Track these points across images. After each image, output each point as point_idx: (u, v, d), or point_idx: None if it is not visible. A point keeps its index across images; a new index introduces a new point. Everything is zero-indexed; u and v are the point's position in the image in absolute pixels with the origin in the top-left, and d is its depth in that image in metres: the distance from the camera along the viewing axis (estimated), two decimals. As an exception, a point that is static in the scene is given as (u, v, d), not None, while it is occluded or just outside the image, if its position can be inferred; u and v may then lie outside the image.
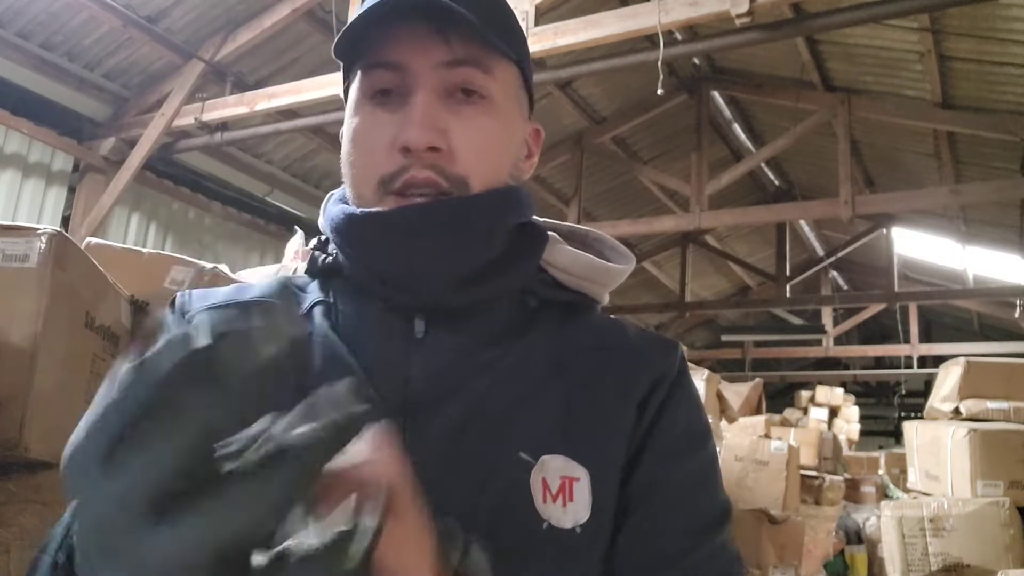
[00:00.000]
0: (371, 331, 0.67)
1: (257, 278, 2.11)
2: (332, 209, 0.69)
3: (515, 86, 0.72)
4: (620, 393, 0.68)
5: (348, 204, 0.68)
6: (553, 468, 0.62)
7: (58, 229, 1.29)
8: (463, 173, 0.65)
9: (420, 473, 0.57)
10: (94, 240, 1.79)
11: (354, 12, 0.67)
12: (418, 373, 0.64)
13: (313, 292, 0.72)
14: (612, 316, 0.77)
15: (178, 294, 0.73)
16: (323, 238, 0.75)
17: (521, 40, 0.72)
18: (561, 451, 0.63)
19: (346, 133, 0.69)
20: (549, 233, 0.77)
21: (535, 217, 0.77)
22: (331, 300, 0.71)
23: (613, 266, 0.76)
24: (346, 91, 0.72)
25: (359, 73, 0.68)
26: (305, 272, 0.76)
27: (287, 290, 0.73)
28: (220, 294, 0.73)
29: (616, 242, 0.79)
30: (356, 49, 0.67)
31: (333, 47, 0.67)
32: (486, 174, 0.67)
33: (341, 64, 0.71)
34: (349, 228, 0.66)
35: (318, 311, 0.70)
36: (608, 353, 0.70)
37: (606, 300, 0.77)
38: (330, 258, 0.72)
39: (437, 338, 0.66)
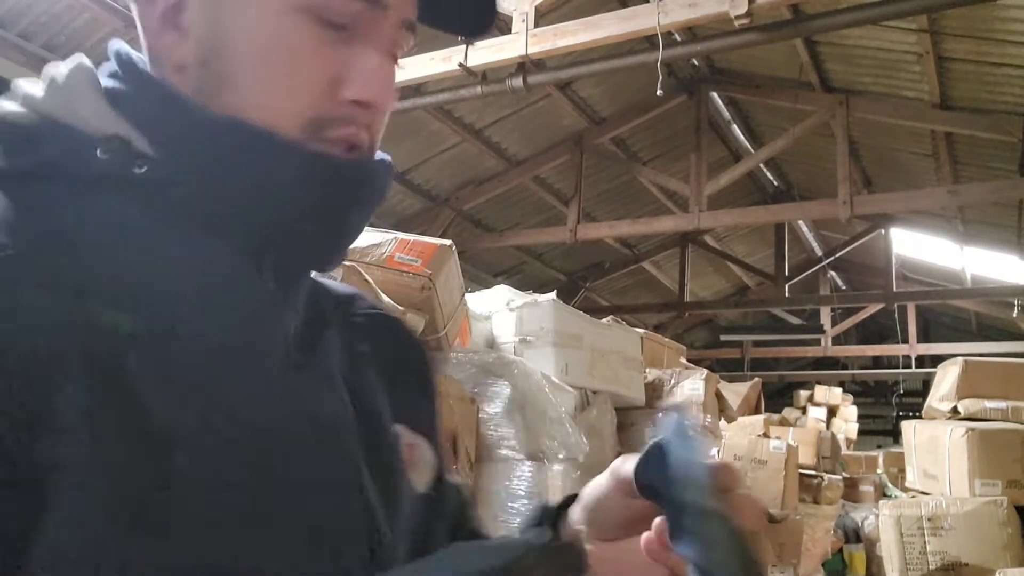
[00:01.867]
0: (197, 267, 0.51)
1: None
2: (202, 113, 0.52)
3: None
4: (413, 359, 0.70)
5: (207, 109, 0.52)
6: (403, 438, 0.63)
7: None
8: (377, 137, 0.57)
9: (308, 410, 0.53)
10: (100, 241, 1.80)
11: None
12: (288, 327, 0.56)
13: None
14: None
15: None
16: (111, 133, 0.51)
17: None
18: (397, 421, 0.63)
19: (252, 32, 0.52)
20: None
21: None
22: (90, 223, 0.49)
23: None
24: None
25: None
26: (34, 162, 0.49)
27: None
28: None
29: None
30: None
31: None
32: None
33: None
34: (257, 154, 0.52)
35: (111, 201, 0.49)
36: (381, 326, 0.68)
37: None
38: (141, 168, 0.50)
39: (286, 297, 0.55)
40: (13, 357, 0.40)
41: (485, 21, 0.65)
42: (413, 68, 4.11)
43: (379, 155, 0.58)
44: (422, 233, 3.47)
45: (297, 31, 0.52)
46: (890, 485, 5.58)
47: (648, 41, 4.43)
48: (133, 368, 0.43)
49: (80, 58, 0.53)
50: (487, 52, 4.10)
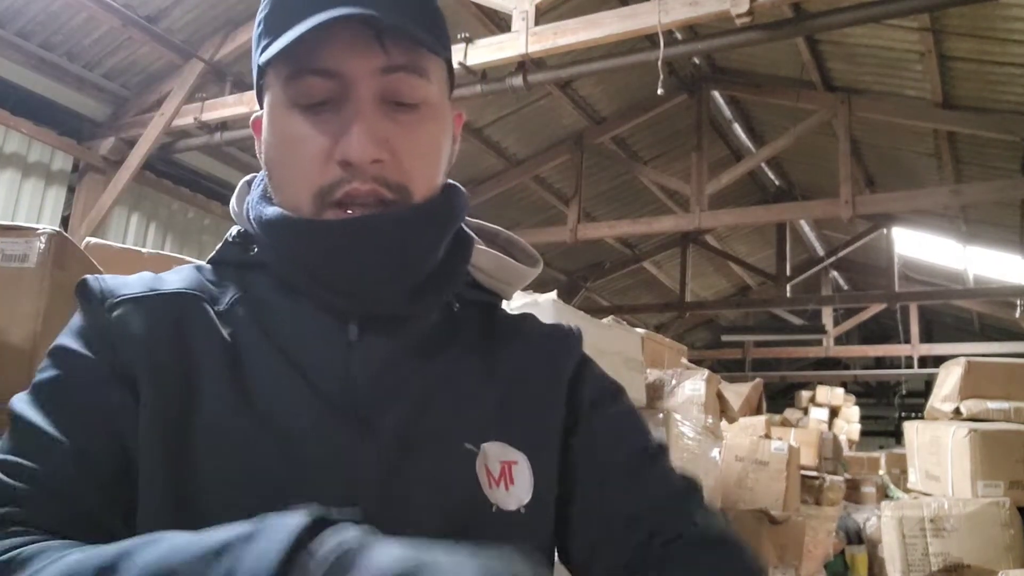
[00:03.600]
0: (303, 330, 0.67)
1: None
2: (263, 209, 0.67)
3: (445, 80, 0.72)
4: (548, 377, 0.73)
5: (275, 204, 0.67)
6: (493, 454, 0.65)
7: (57, 229, 1.29)
8: (405, 181, 0.65)
9: (374, 463, 0.60)
10: (93, 240, 1.79)
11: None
12: (358, 376, 0.65)
13: (228, 286, 0.70)
14: (517, 313, 0.81)
15: (88, 278, 0.69)
16: (242, 230, 0.73)
17: (446, 32, 0.71)
18: (498, 438, 0.66)
19: (272, 137, 0.66)
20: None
21: None
22: (253, 296, 0.69)
23: (528, 269, 0.79)
24: (260, 87, 0.69)
25: (285, 76, 0.64)
26: (210, 262, 0.74)
27: (203, 283, 0.71)
28: (137, 282, 0.69)
29: (526, 244, 0.82)
30: (283, 54, 0.63)
31: (262, 51, 0.64)
32: (427, 178, 0.67)
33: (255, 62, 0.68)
34: (290, 233, 0.65)
35: (240, 307, 0.68)
36: (531, 345, 0.75)
37: (512, 298, 0.81)
38: (252, 252, 0.71)
39: (372, 343, 0.66)
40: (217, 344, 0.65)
41: None
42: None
43: (415, 195, 0.65)
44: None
45: (294, 123, 0.64)
46: (892, 486, 5.56)
47: (649, 40, 4.41)
48: (247, 364, 0.65)
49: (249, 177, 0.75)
50: (487, 51, 4.08)
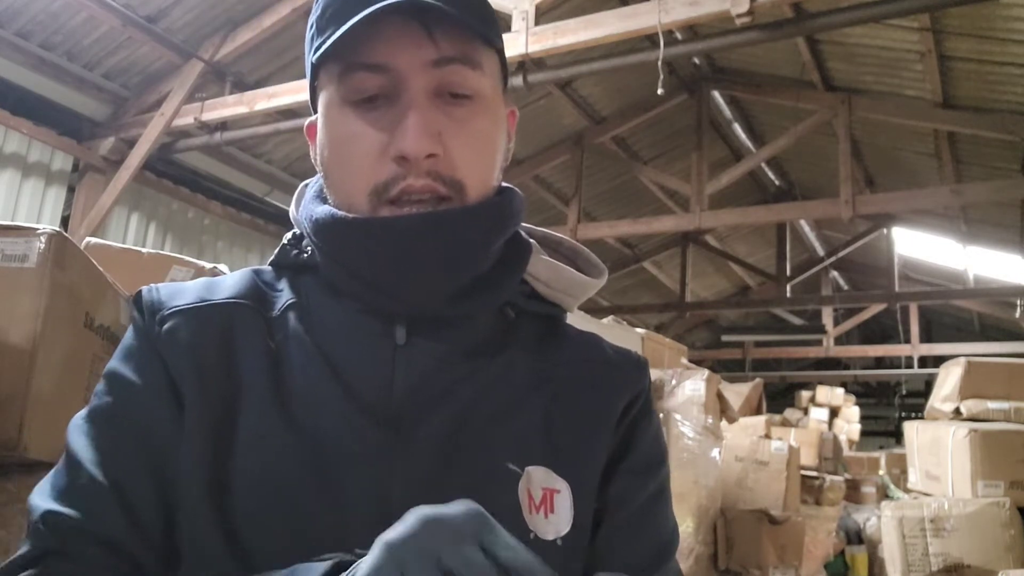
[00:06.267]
0: (349, 335, 0.66)
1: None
2: (315, 209, 0.67)
3: (498, 74, 0.70)
4: (601, 408, 0.68)
5: (330, 205, 0.66)
6: (536, 479, 0.63)
7: (57, 229, 1.29)
8: (460, 177, 0.63)
9: (411, 480, 0.58)
10: (93, 240, 1.79)
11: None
12: (402, 380, 0.64)
13: (283, 290, 0.70)
14: (584, 330, 0.77)
15: (143, 289, 0.70)
16: (297, 233, 0.73)
17: (497, 22, 0.70)
18: (543, 462, 0.64)
19: (326, 136, 0.66)
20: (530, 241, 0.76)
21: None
22: (304, 300, 0.69)
23: (590, 280, 0.75)
24: (313, 89, 0.69)
25: (337, 74, 0.64)
26: (271, 264, 0.74)
27: (257, 288, 0.70)
28: (190, 292, 0.69)
29: (590, 253, 0.78)
30: (333, 50, 0.63)
31: (315, 51, 0.64)
32: (481, 175, 0.65)
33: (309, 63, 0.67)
34: (339, 233, 0.64)
35: (292, 312, 0.68)
36: (588, 367, 0.71)
37: (575, 310, 0.77)
38: (304, 255, 0.71)
39: (419, 346, 0.65)
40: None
41: None
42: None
43: (470, 192, 0.64)
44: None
45: (347, 121, 0.64)
46: (892, 486, 5.55)
47: (649, 40, 4.42)
48: (288, 364, 0.65)
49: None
50: (487, 51, 4.08)
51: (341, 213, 0.64)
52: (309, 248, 0.70)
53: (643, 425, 0.71)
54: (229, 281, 0.71)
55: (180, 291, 0.69)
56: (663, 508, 0.71)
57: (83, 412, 0.66)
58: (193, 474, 0.61)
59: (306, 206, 0.69)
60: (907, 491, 3.55)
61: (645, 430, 0.71)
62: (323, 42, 0.63)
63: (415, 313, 0.65)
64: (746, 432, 4.30)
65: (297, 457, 0.61)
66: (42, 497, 0.62)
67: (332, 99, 0.65)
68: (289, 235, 0.74)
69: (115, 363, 0.67)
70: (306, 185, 0.74)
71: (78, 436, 0.64)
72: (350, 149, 0.64)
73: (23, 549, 0.60)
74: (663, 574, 0.68)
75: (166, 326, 0.66)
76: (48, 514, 0.60)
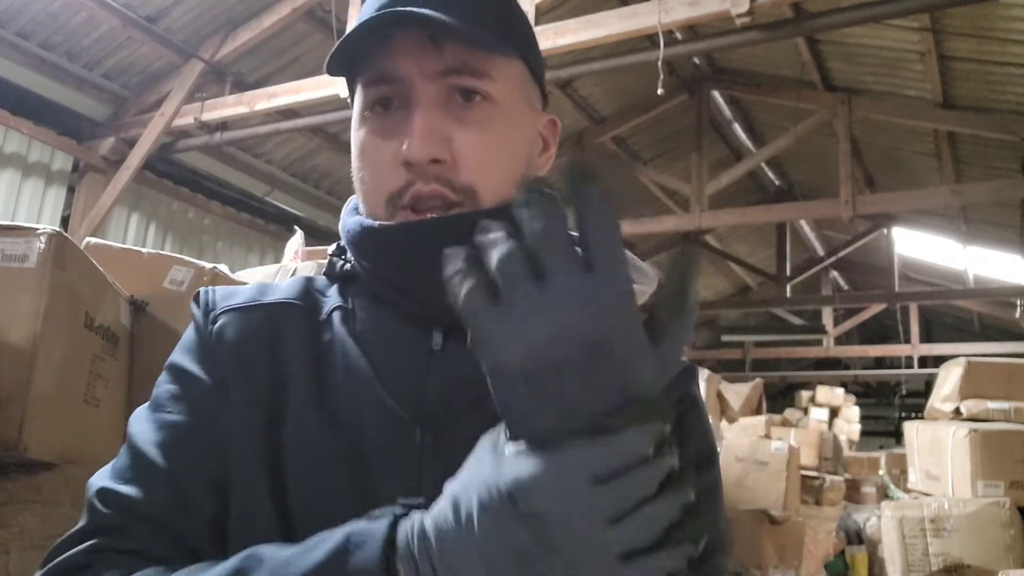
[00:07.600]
0: (389, 339, 0.68)
1: (258, 277, 2.10)
2: (348, 220, 0.70)
3: (520, 81, 0.70)
4: None
5: (362, 215, 0.69)
6: None
7: (57, 229, 1.29)
8: (469, 182, 0.64)
9: (441, 481, 0.58)
10: (93, 240, 1.79)
11: (353, 13, 0.66)
12: (436, 384, 0.65)
13: (332, 296, 0.73)
14: None
15: (201, 290, 0.74)
16: (341, 244, 0.76)
17: (524, 32, 0.70)
18: None
19: (354, 148, 0.70)
20: None
21: None
22: (349, 306, 0.71)
23: (638, 287, 0.73)
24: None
25: (359, 88, 0.68)
26: (324, 275, 0.77)
27: (308, 293, 0.73)
28: (243, 294, 0.73)
29: (636, 259, 0.76)
30: (354, 64, 0.67)
31: (327, 64, 0.67)
32: (495, 180, 0.65)
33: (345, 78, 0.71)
34: (363, 240, 0.67)
35: (337, 316, 0.71)
36: None
37: None
38: (348, 265, 0.73)
39: (454, 352, 0.66)
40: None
41: None
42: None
43: (483, 198, 0.64)
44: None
45: (367, 131, 0.67)
46: (892, 486, 5.55)
47: (649, 40, 4.42)
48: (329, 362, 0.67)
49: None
50: (487, 51, 4.08)
51: (368, 222, 0.67)
52: (352, 259, 0.73)
53: (692, 419, 0.70)
54: (282, 285, 0.75)
55: (234, 293, 0.73)
56: (713, 506, 0.70)
57: (146, 403, 0.70)
58: (246, 459, 0.64)
59: (344, 218, 0.72)
60: (907, 491, 3.55)
61: (695, 425, 0.70)
62: (345, 58, 0.66)
63: (451, 320, 0.64)
64: (746, 432, 4.30)
65: (336, 452, 0.63)
66: (100, 477, 0.65)
67: (357, 111, 0.69)
68: (333, 246, 0.77)
69: (176, 356, 0.71)
70: (350, 200, 0.78)
71: (139, 422, 0.68)
72: (368, 159, 0.67)
73: (79, 524, 0.63)
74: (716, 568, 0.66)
75: (217, 324, 0.70)
76: (103, 491, 0.63)
